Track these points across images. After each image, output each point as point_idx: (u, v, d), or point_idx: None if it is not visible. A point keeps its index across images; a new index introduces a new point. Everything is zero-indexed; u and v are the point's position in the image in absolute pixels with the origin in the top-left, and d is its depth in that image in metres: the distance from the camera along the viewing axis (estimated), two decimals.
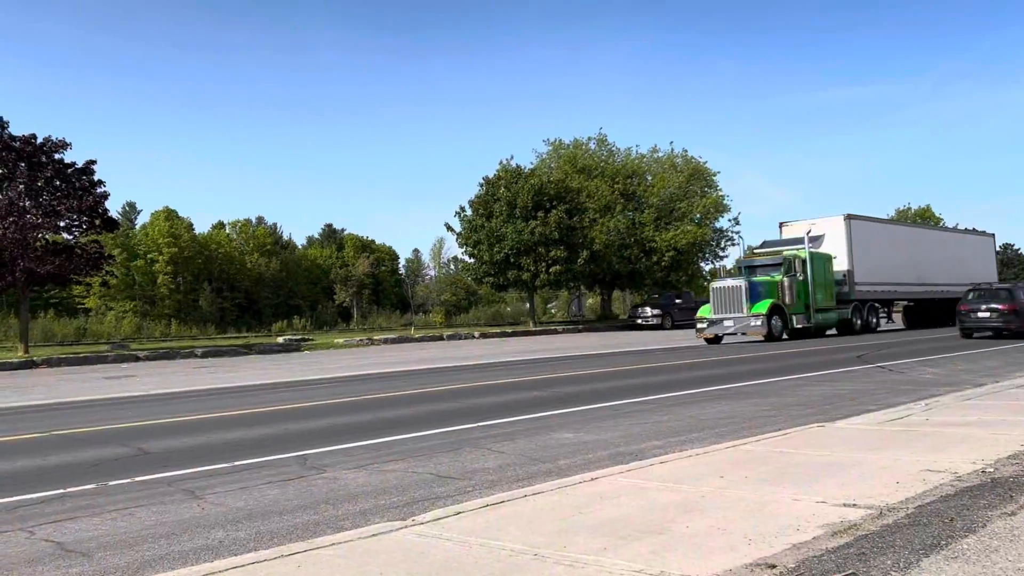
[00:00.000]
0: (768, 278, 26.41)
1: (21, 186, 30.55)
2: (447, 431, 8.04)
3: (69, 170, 31.62)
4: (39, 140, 30.88)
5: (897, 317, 34.49)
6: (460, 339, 37.45)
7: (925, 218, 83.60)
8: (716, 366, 16.12)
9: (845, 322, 28.70)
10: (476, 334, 39.55)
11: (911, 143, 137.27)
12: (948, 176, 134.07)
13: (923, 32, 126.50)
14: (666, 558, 3.33)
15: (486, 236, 44.27)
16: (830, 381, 11.92)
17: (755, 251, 30.86)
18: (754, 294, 25.60)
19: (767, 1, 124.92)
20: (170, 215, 61.25)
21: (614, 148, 56.95)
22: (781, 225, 31.29)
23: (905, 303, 35.27)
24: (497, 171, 46.42)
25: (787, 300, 26.00)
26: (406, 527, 4.02)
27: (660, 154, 57.33)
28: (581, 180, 50.29)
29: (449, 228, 47.47)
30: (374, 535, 3.91)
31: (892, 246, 31.84)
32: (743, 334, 25.85)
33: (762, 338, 25.42)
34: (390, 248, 76.68)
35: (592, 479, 5.04)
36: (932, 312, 34.48)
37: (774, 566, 3.16)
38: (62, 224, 31.92)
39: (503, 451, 6.80)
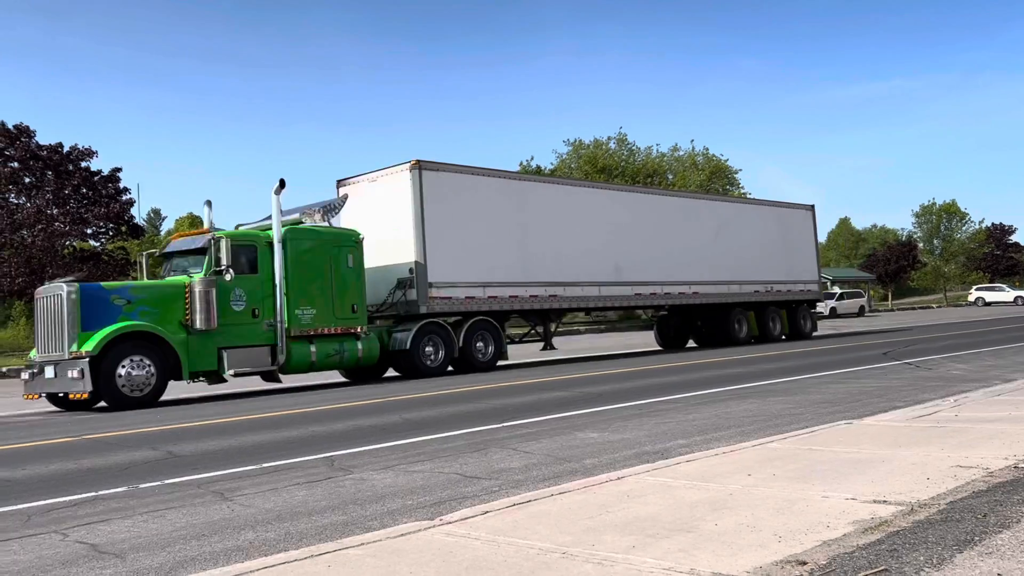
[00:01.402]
0: (173, 280, 14.02)
1: (48, 194, 31.02)
2: (472, 431, 8.06)
3: (95, 178, 32.10)
4: (66, 149, 31.37)
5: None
6: None
7: (951, 214, 76.59)
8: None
9: (399, 356, 15.95)
10: None
11: (935, 138, 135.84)
12: (974, 170, 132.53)
13: (944, 26, 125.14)
14: (695, 556, 3.32)
15: None
16: (855, 379, 11.81)
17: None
18: (97, 312, 12.74)
19: None
20: (195, 221, 61.80)
21: (634, 147, 56.91)
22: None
23: (662, 313, 23.23)
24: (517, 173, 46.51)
25: (198, 322, 13.29)
26: (434, 527, 4.04)
27: (681, 152, 57.21)
28: (602, 180, 50.21)
29: None
30: (402, 535, 3.93)
31: (553, 218, 18.52)
32: (63, 395, 12.88)
33: (89, 400, 12.44)
34: None
35: (618, 478, 5.03)
36: (701, 323, 23.23)
37: (805, 563, 3.14)
38: (89, 231, 32.43)
39: (529, 451, 6.80)
